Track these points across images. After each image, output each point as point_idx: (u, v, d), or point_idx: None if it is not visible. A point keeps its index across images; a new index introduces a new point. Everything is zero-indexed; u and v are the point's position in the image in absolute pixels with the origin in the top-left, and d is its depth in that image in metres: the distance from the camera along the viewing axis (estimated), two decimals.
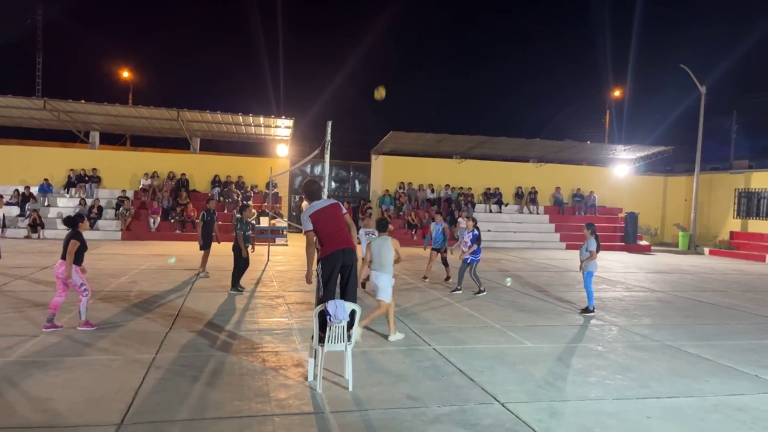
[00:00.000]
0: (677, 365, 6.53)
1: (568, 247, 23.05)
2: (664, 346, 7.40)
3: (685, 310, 10.22)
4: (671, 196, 29.02)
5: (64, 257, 7.04)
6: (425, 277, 12.62)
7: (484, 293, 10.78)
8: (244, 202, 22.73)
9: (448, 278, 12.44)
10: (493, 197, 26.25)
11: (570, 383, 5.73)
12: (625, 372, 6.19)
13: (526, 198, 26.42)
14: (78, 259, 7.07)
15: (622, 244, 24.07)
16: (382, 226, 7.80)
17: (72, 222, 7.21)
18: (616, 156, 28.27)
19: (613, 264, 17.61)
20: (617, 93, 39.83)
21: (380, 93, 8.99)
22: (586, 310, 9.40)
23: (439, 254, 12.51)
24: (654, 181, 29.53)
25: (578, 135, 40.22)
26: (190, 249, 17.38)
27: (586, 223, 9.83)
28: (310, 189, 6.21)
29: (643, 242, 24.94)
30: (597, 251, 9.33)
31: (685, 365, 6.54)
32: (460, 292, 10.93)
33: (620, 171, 28.20)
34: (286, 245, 20.30)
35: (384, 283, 7.11)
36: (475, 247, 10.78)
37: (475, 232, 10.84)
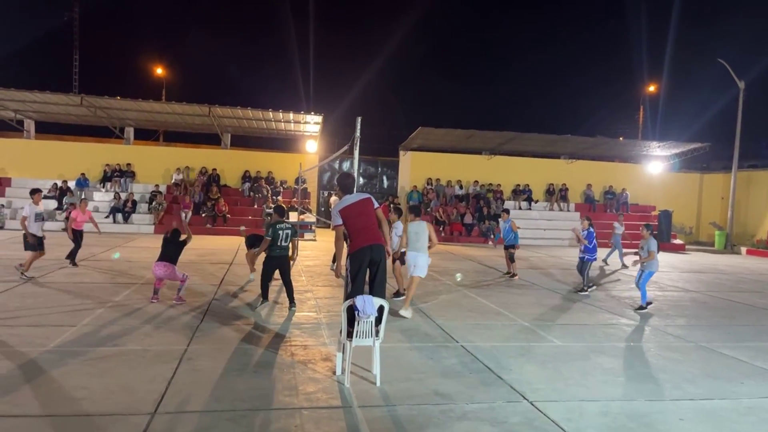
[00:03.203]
0: (711, 367, 6.38)
1: (599, 246, 22.65)
2: (698, 347, 7.24)
3: (720, 310, 9.97)
4: (707, 193, 28.32)
5: (164, 260, 8.44)
6: (508, 273, 12.84)
7: (586, 292, 10.94)
8: (275, 198, 22.96)
9: (512, 274, 12.70)
10: (523, 194, 25.98)
11: (600, 383, 5.65)
12: (658, 373, 6.08)
13: (556, 195, 26.09)
14: (176, 261, 8.68)
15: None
16: (415, 211, 8.59)
17: (179, 233, 8.84)
18: (650, 153, 27.69)
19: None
20: (652, 88, 39.05)
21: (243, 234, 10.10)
22: (641, 308, 9.47)
23: (508, 251, 12.82)
24: (689, 179, 28.85)
25: (611, 131, 39.52)
26: (222, 243, 17.66)
27: (644, 223, 9.85)
28: (344, 182, 6.13)
29: (678, 241, 24.38)
30: (657, 251, 9.43)
31: (719, 367, 6.39)
32: (593, 288, 11.10)
33: (654, 168, 27.62)
34: (315, 240, 20.44)
35: (422, 262, 8.12)
36: (586, 242, 10.94)
37: (591, 230, 11.00)
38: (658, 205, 25.88)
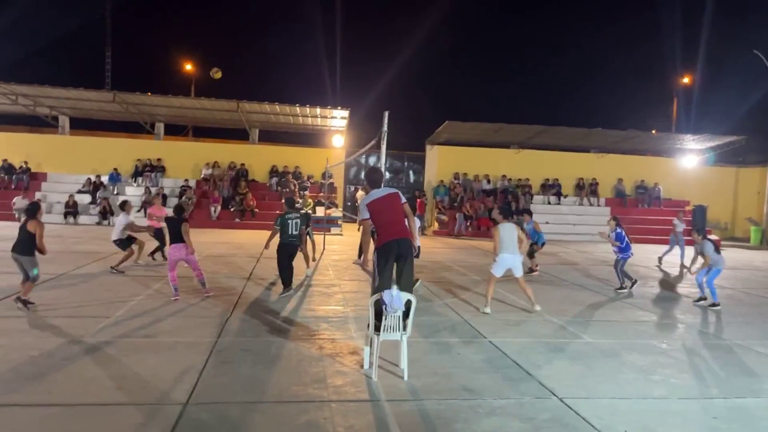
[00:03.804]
0: (746, 365, 6.23)
1: (631, 241, 22.26)
2: (733, 345, 7.07)
3: (755, 308, 9.73)
4: (743, 188, 27.56)
5: (175, 241, 8.45)
6: (533, 271, 12.51)
7: (625, 290, 10.73)
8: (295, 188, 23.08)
9: (530, 269, 12.43)
10: (552, 188, 25.66)
11: (632, 381, 5.56)
12: (690, 370, 5.96)
13: (586, 189, 25.69)
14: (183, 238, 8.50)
15: (689, 238, 23.03)
16: (505, 213, 8.64)
17: (182, 210, 8.93)
18: (684, 146, 27.08)
19: (680, 259, 16.90)
20: (686, 80, 38.07)
21: (216, 74, 9.90)
22: (713, 305, 9.35)
23: (531, 246, 12.47)
24: (725, 173, 28.12)
25: (643, 124, 38.68)
26: (250, 237, 17.88)
27: (697, 227, 9.72)
28: (372, 177, 6.20)
29: (712, 237, 23.79)
30: (715, 252, 9.38)
31: (754, 365, 6.23)
32: (625, 290, 10.82)
33: (688, 162, 26.99)
34: (341, 235, 20.54)
35: (518, 263, 8.32)
36: (618, 243, 10.87)
37: (619, 231, 10.92)
38: (693, 200, 25.29)
